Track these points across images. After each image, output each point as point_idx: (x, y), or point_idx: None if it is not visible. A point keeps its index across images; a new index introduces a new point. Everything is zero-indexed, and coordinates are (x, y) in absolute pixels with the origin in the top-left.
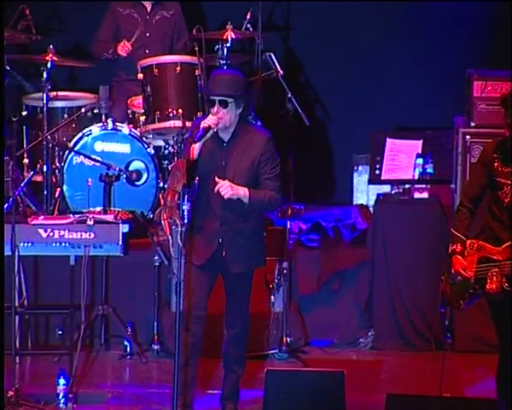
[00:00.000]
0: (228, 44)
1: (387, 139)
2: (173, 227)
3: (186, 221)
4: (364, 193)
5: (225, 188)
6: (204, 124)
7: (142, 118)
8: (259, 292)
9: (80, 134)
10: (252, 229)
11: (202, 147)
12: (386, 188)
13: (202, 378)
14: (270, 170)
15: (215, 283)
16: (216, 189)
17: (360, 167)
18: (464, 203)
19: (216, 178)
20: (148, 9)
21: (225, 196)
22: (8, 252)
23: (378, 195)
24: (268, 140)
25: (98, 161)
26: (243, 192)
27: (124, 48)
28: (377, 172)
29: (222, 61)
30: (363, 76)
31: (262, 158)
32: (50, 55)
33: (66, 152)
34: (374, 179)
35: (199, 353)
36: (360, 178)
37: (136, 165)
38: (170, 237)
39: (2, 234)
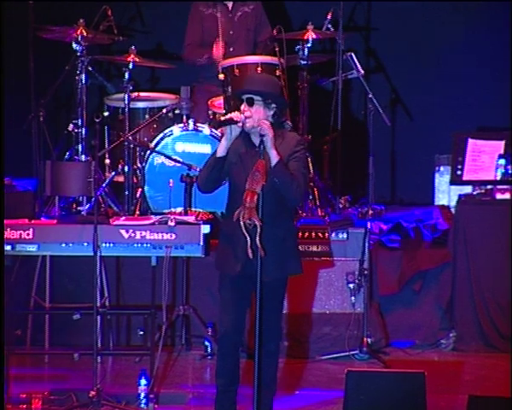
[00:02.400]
0: (308, 45)
1: (469, 140)
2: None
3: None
4: (446, 194)
5: (267, 126)
6: (227, 116)
7: (223, 118)
8: (340, 292)
9: (161, 135)
10: (283, 234)
11: (232, 149)
12: (467, 189)
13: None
14: (298, 167)
15: (250, 299)
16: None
17: (442, 168)
18: None
19: (263, 123)
20: (230, 8)
21: (267, 129)
22: (90, 252)
23: (460, 195)
24: (299, 141)
25: (179, 162)
26: (276, 151)
27: (218, 49)
28: (459, 172)
29: (302, 62)
30: (445, 76)
31: (292, 157)
32: (132, 55)
33: (148, 152)
34: (455, 180)
35: (237, 381)
36: (442, 179)
37: None
38: (248, 239)
39: (2, 234)
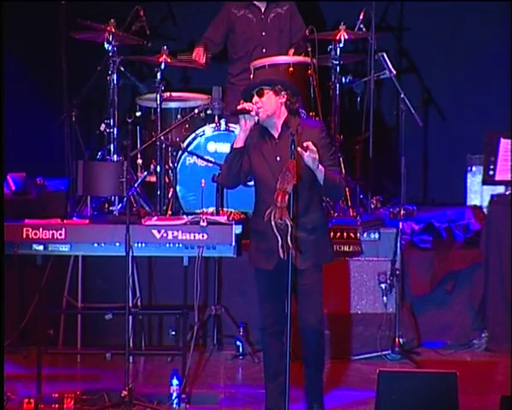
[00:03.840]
0: (341, 45)
1: (501, 139)
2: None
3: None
4: (478, 194)
5: (313, 151)
6: (239, 106)
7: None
8: (372, 292)
9: (193, 135)
10: (313, 222)
11: (252, 144)
12: (500, 189)
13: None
14: (329, 157)
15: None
16: (307, 149)
17: (474, 168)
18: None
19: (307, 144)
20: (262, 9)
21: (311, 159)
22: (122, 252)
23: (492, 196)
24: (321, 130)
25: (211, 162)
26: (321, 166)
27: (199, 55)
28: (491, 172)
29: (335, 62)
30: (477, 76)
31: (318, 148)
32: (164, 56)
33: (180, 152)
34: (487, 180)
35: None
36: (474, 179)
37: None
38: (279, 238)
39: (2, 234)
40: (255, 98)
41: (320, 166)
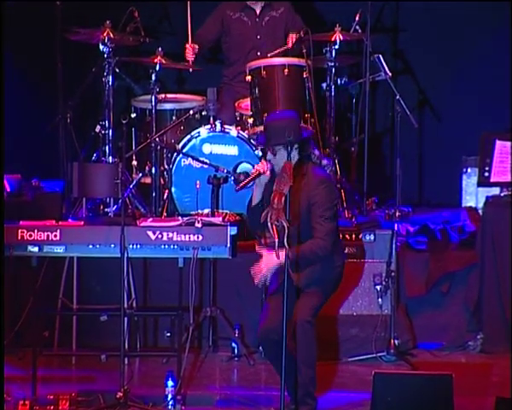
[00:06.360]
0: (336, 46)
1: (497, 141)
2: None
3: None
4: (473, 195)
5: (258, 272)
6: (255, 168)
7: (250, 120)
8: (367, 294)
9: (188, 136)
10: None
11: (264, 191)
12: (495, 190)
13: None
14: (320, 213)
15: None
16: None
17: (469, 169)
18: None
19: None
20: (258, 12)
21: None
22: (117, 254)
23: (487, 197)
24: (319, 182)
25: (206, 164)
26: (281, 259)
27: (189, 52)
28: (486, 174)
29: (330, 63)
30: (473, 77)
31: (312, 201)
32: (159, 57)
33: (175, 154)
34: (483, 182)
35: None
36: (469, 181)
37: (244, 167)
38: (276, 240)
39: (2, 234)
40: (269, 155)
41: (282, 256)
